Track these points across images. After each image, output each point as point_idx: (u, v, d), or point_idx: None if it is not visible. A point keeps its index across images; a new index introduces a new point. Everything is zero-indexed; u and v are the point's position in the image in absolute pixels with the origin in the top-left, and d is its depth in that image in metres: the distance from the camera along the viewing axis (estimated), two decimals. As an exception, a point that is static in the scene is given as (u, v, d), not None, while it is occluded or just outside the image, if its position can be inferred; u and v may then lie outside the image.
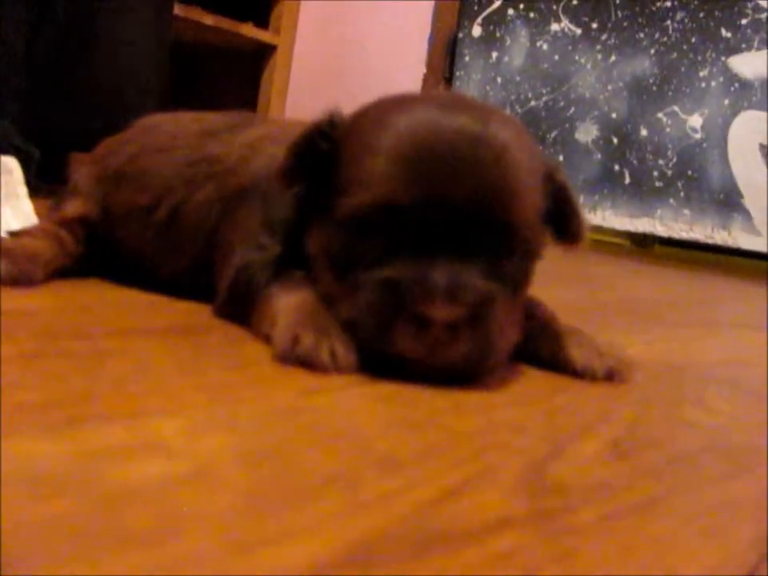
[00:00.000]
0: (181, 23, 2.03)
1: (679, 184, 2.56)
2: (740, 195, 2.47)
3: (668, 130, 2.59)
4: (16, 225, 0.79)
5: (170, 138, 0.78)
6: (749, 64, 2.49)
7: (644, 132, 2.63)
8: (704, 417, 0.59)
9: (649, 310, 1.31)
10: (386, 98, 0.60)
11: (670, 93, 2.60)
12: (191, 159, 0.74)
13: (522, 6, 2.83)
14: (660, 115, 2.61)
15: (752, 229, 2.45)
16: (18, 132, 1.48)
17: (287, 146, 0.60)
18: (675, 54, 2.60)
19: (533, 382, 0.60)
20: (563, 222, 0.61)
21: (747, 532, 0.37)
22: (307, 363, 0.51)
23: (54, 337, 0.53)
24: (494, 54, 2.88)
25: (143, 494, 0.30)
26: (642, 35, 2.65)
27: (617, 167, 2.66)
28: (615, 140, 2.67)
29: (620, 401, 0.59)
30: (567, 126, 2.75)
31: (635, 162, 2.63)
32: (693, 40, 2.57)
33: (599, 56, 2.72)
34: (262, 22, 2.39)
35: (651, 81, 2.63)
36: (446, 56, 2.97)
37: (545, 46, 2.81)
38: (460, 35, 2.93)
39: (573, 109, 2.75)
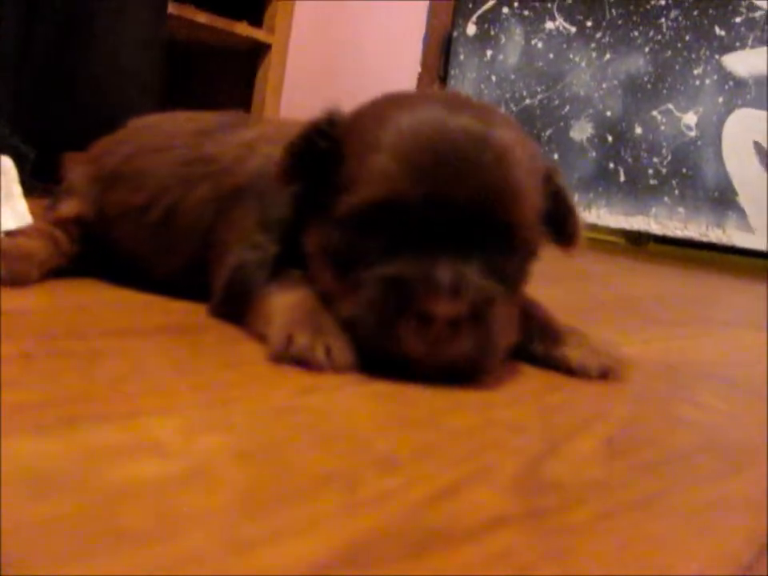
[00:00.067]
0: (175, 22, 2.03)
1: (674, 182, 2.57)
2: (734, 193, 2.48)
3: (662, 128, 2.60)
4: (11, 225, 0.79)
5: (165, 137, 0.78)
6: (743, 62, 2.49)
7: (639, 130, 2.63)
8: (699, 415, 0.59)
9: (644, 308, 1.31)
10: (386, 97, 0.60)
11: (665, 91, 2.61)
12: (186, 159, 0.74)
13: (516, 4, 2.83)
14: (654, 113, 2.61)
15: (746, 227, 2.46)
16: (13, 131, 1.47)
17: (285, 144, 0.60)
18: (669, 52, 2.60)
19: (529, 380, 0.60)
20: (560, 224, 0.62)
21: (743, 530, 0.37)
22: (302, 362, 0.51)
23: (50, 337, 0.53)
24: (489, 53, 2.88)
25: (140, 494, 0.30)
26: (636, 33, 2.66)
27: (611, 165, 2.66)
28: (610, 138, 2.67)
29: (615, 399, 0.59)
30: (562, 124, 2.75)
31: (630, 160, 2.63)
32: (687, 38, 2.58)
33: (594, 54, 2.72)
34: (257, 21, 2.39)
35: (646, 79, 2.64)
36: (440, 54, 2.97)
37: (539, 45, 2.81)
38: (455, 34, 2.93)
39: (567, 107, 2.75)
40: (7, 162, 0.87)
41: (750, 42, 2.49)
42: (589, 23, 2.73)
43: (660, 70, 2.62)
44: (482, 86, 2.88)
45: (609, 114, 2.68)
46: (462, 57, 2.92)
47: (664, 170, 2.58)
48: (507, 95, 2.84)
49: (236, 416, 0.42)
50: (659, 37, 2.62)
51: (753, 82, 2.47)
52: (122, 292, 0.73)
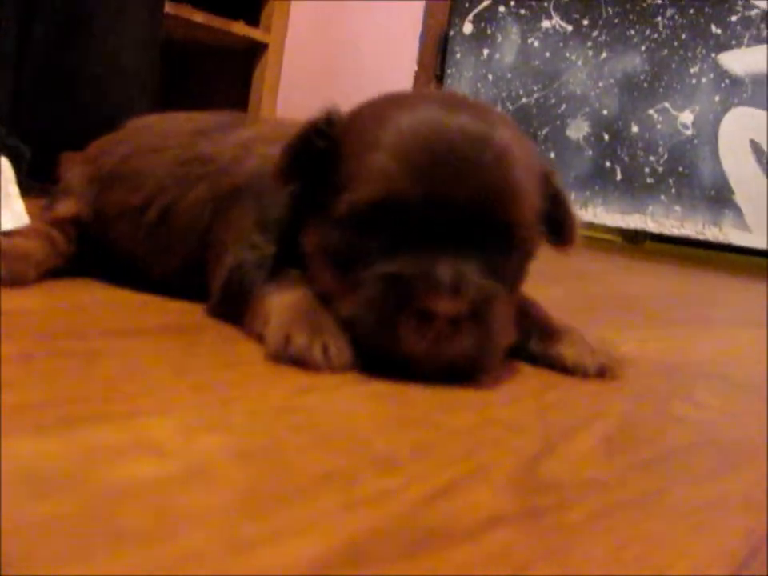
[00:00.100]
0: (171, 21, 2.03)
1: (670, 180, 2.57)
2: (731, 191, 2.48)
3: (659, 126, 2.60)
4: (8, 225, 0.79)
5: (162, 137, 0.78)
6: (739, 60, 2.50)
7: (635, 129, 2.63)
8: (696, 413, 0.59)
9: (640, 306, 1.31)
10: (384, 97, 0.60)
11: (661, 89, 2.61)
12: (183, 159, 0.74)
13: (512, 3, 2.84)
14: (651, 112, 2.62)
15: (743, 225, 2.46)
16: (10, 131, 1.47)
17: (283, 144, 0.60)
18: (666, 51, 2.61)
19: (526, 379, 0.60)
20: (557, 224, 0.62)
21: (740, 528, 0.37)
22: (300, 362, 0.52)
23: (48, 337, 0.53)
24: (485, 51, 2.88)
25: (140, 494, 0.30)
26: (632, 32, 2.66)
27: (608, 164, 2.66)
28: (606, 137, 2.68)
29: (612, 397, 0.60)
30: (558, 122, 2.75)
31: (626, 158, 2.64)
32: (683, 37, 2.58)
33: (590, 53, 2.72)
34: (253, 20, 2.39)
35: (642, 77, 2.64)
36: (437, 53, 2.97)
37: (536, 43, 2.81)
38: (451, 33, 2.93)
39: (564, 106, 2.75)
40: (4, 162, 0.87)
41: (746, 40, 2.49)
42: (585, 22, 2.73)
43: (656, 68, 2.62)
44: (479, 84, 2.88)
45: (605, 112, 2.69)
46: (458, 55, 2.92)
47: (660, 169, 2.58)
48: (504, 94, 2.84)
49: (234, 416, 0.42)
50: (655, 35, 2.63)
51: (749, 81, 2.48)
52: (119, 292, 0.73)
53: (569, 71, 2.75)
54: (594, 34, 2.72)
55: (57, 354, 0.49)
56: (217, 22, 2.25)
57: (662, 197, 2.57)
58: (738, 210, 2.47)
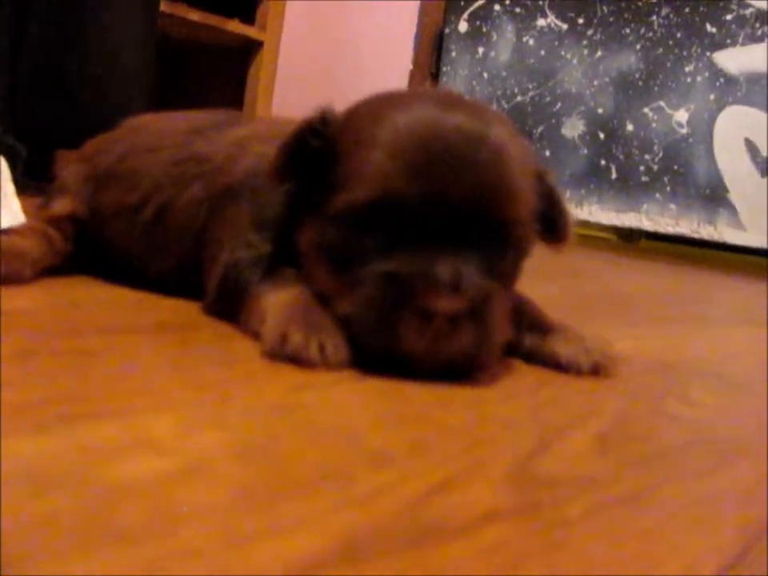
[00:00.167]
0: (167, 19, 2.03)
1: (665, 179, 2.57)
2: (726, 190, 2.49)
3: (654, 125, 2.60)
4: (4, 223, 0.79)
5: (157, 137, 0.78)
6: (734, 59, 2.50)
7: (630, 127, 2.64)
8: (689, 410, 0.60)
9: (635, 304, 1.32)
10: (380, 95, 0.61)
11: (656, 88, 2.61)
12: (179, 158, 0.74)
13: (507, 1, 2.84)
14: (646, 110, 2.62)
15: (737, 224, 2.46)
16: (6, 129, 1.47)
17: (279, 143, 0.60)
18: (661, 50, 2.61)
19: (520, 376, 0.61)
20: (551, 222, 0.62)
21: (732, 523, 0.38)
22: (296, 360, 0.52)
23: (44, 335, 0.53)
24: (481, 50, 2.88)
25: (138, 491, 0.30)
26: (627, 30, 2.66)
27: (603, 162, 2.67)
28: (601, 135, 2.68)
29: (606, 395, 0.60)
30: (553, 121, 2.76)
31: (621, 156, 2.64)
32: (678, 35, 2.59)
33: (585, 51, 2.73)
34: (249, 18, 2.39)
35: (637, 76, 2.64)
36: (432, 52, 2.97)
37: (531, 42, 2.81)
38: (446, 31, 2.93)
39: (559, 104, 2.75)
40: (0, 161, 0.87)
41: (741, 39, 2.50)
42: (580, 20, 2.73)
43: (651, 67, 2.62)
44: (474, 82, 2.88)
45: (600, 111, 2.69)
46: (453, 54, 2.92)
47: (655, 167, 2.59)
48: (499, 92, 2.85)
49: (232, 413, 0.42)
50: (650, 34, 2.63)
51: (744, 79, 2.48)
52: (115, 290, 0.73)
53: (564, 69, 2.76)
54: (589, 32, 2.72)
55: (55, 352, 0.49)
56: (212, 20, 2.25)
57: (657, 195, 2.58)
58: (732, 209, 2.47)
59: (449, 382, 0.53)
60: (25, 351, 0.48)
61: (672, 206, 2.56)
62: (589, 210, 2.67)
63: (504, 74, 2.85)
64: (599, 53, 2.71)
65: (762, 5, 2.45)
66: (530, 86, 2.80)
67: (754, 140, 2.45)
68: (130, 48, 1.63)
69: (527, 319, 0.65)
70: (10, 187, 0.86)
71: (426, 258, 0.52)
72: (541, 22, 2.80)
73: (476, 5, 2.88)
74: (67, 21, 1.54)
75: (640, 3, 2.64)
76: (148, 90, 1.68)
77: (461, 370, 0.54)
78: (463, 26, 2.91)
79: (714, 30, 2.53)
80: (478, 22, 2.88)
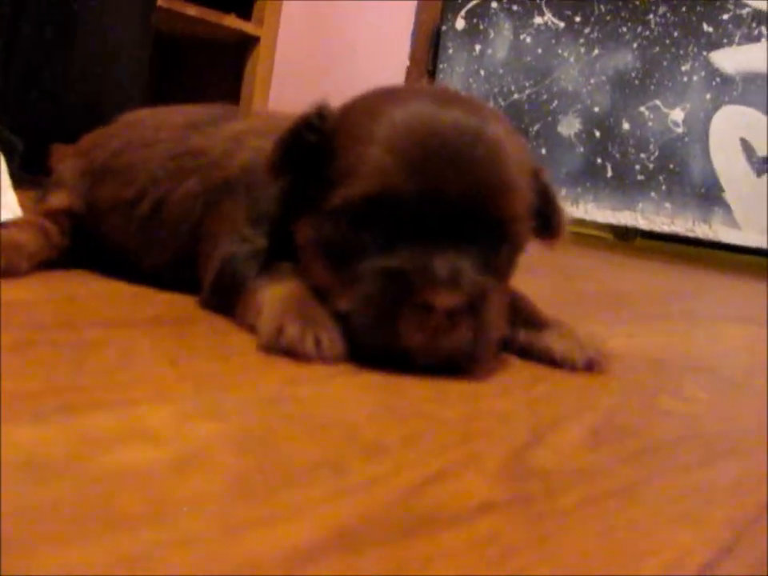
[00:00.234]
0: (164, 14, 2.02)
1: (661, 178, 2.58)
2: (721, 189, 2.49)
3: (650, 123, 2.61)
4: (1, 217, 0.79)
5: (154, 131, 0.78)
6: (730, 59, 2.51)
7: (626, 126, 2.64)
8: (681, 406, 0.60)
9: (629, 302, 1.32)
10: (376, 91, 0.61)
11: (652, 87, 2.62)
12: (175, 152, 0.74)
13: (505, -1, 2.84)
14: (642, 109, 2.63)
15: (732, 223, 2.47)
16: (2, 123, 1.47)
17: (275, 138, 0.60)
18: (657, 49, 2.62)
19: (515, 371, 0.61)
20: (546, 219, 0.63)
21: (722, 516, 0.38)
22: (292, 353, 0.52)
23: (42, 327, 0.53)
24: (478, 47, 2.88)
25: (135, 480, 0.31)
26: (624, 29, 2.67)
27: (599, 160, 2.67)
28: (598, 133, 2.68)
29: (599, 390, 0.60)
30: (550, 119, 2.76)
31: (617, 155, 2.65)
32: (675, 34, 2.59)
33: (582, 49, 2.73)
34: (245, 14, 2.38)
35: (633, 75, 2.65)
36: (429, 49, 2.98)
37: (528, 39, 2.81)
38: (443, 28, 2.93)
39: (555, 102, 2.76)
40: (-4, 154, 0.87)
41: (737, 38, 2.50)
42: (577, 19, 2.74)
43: (648, 66, 2.63)
44: (471, 80, 2.89)
45: (597, 109, 2.69)
46: (450, 51, 2.92)
47: (651, 166, 2.59)
48: (495, 90, 2.85)
49: (228, 405, 0.43)
50: (647, 33, 2.63)
51: (740, 79, 2.49)
52: (112, 284, 0.73)
53: (561, 68, 2.76)
54: (586, 30, 2.73)
55: (52, 344, 0.49)
56: (209, 15, 2.25)
57: (653, 194, 2.58)
58: (727, 208, 2.48)
59: (444, 376, 0.53)
60: (23, 343, 0.48)
61: (667, 204, 2.56)
62: (585, 209, 2.67)
63: (501, 71, 2.85)
64: (596, 51, 2.71)
65: (759, 5, 2.46)
66: (527, 84, 2.81)
67: (750, 140, 2.45)
68: (126, 43, 1.63)
69: (522, 315, 0.66)
70: (6, 181, 0.86)
71: (424, 254, 0.53)
72: (538, 19, 2.80)
73: (473, 2, 2.89)
74: (63, 16, 1.53)
75: (637, 2, 2.65)
76: (144, 85, 1.68)
77: (458, 365, 0.54)
78: (460, 23, 2.91)
79: (710, 29, 2.54)
80: (475, 20, 2.89)
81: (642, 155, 2.61)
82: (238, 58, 2.46)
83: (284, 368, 0.51)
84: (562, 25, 2.76)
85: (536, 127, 2.77)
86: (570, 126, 2.73)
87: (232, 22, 2.32)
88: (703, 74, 2.54)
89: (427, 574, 0.28)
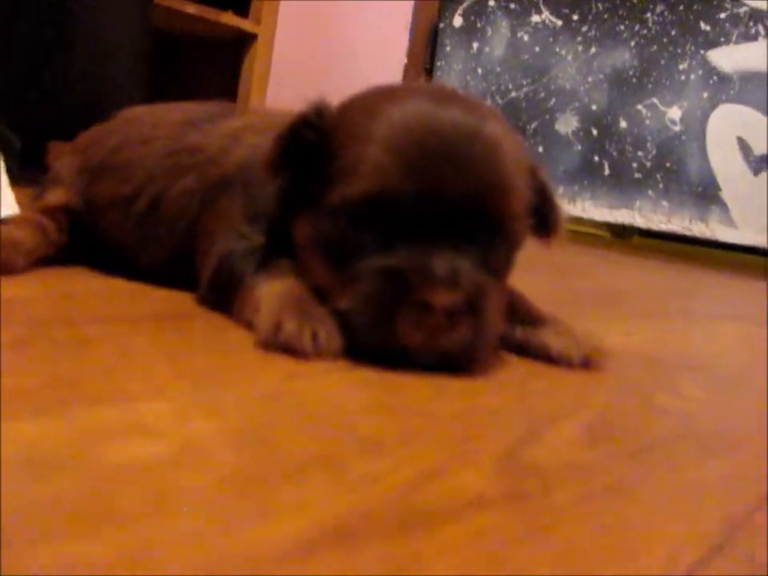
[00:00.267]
0: (162, 12, 2.02)
1: (658, 176, 2.58)
2: (718, 188, 2.50)
3: (647, 122, 2.61)
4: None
5: (151, 128, 0.78)
6: (727, 57, 2.51)
7: (623, 124, 2.64)
8: (678, 403, 0.60)
9: (626, 299, 1.33)
10: (375, 90, 0.61)
11: (650, 85, 2.62)
12: (172, 149, 0.74)
13: (503, -3, 2.84)
14: (639, 107, 2.63)
15: (729, 221, 2.48)
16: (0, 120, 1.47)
17: (274, 135, 0.60)
18: (655, 47, 2.62)
19: (511, 368, 0.61)
20: (543, 217, 0.63)
21: (716, 513, 0.38)
22: (290, 349, 0.52)
23: (41, 324, 0.54)
24: (475, 45, 2.89)
25: (135, 474, 0.31)
26: (622, 27, 2.67)
27: (596, 158, 2.68)
28: (595, 131, 2.69)
29: (595, 388, 0.60)
30: (547, 117, 2.76)
31: (615, 153, 2.65)
32: (672, 33, 2.59)
33: (580, 48, 2.73)
34: (243, 11, 2.38)
35: (631, 73, 2.65)
36: (426, 46, 2.98)
37: (525, 37, 2.82)
38: (441, 25, 2.93)
39: (553, 100, 2.76)
40: (-6, 151, 0.87)
41: (734, 37, 2.50)
42: (575, 17, 2.74)
43: (645, 64, 2.63)
44: (468, 77, 2.89)
45: (594, 107, 2.70)
46: (448, 49, 2.92)
47: (648, 164, 2.60)
48: (493, 87, 2.85)
49: (226, 401, 0.43)
50: (645, 31, 2.64)
51: (737, 78, 2.49)
52: (109, 281, 0.73)
53: (558, 66, 2.76)
54: (584, 29, 2.73)
55: (51, 341, 0.50)
56: (207, 12, 2.24)
57: (650, 192, 2.59)
58: (724, 207, 2.49)
59: (441, 373, 0.54)
60: (21, 339, 0.48)
61: (664, 203, 2.56)
62: (582, 207, 2.67)
63: (498, 69, 2.85)
64: (593, 49, 2.71)
65: (756, 4, 2.46)
66: (524, 82, 2.81)
67: (747, 138, 2.46)
68: (127, 47, 1.63)
69: (519, 312, 0.66)
70: (4, 178, 0.86)
71: (423, 253, 0.53)
72: (535, 18, 2.80)
73: (471, 0, 2.89)
74: (61, 14, 1.53)
75: (635, 0, 2.65)
76: (143, 83, 1.68)
77: (457, 363, 0.54)
78: (458, 21, 2.91)
79: (708, 28, 2.54)
80: (472, 17, 2.89)
81: (640, 153, 2.61)
82: (236, 55, 2.46)
83: (282, 364, 0.51)
84: (559, 23, 2.76)
85: (533, 125, 2.77)
86: (567, 124, 2.73)
87: (229, 19, 2.32)
88: (700, 72, 2.54)
89: (423, 570, 0.28)
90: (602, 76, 2.69)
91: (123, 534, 0.26)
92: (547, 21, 2.78)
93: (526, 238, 0.62)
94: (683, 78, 2.57)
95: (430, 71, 2.94)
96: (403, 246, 0.54)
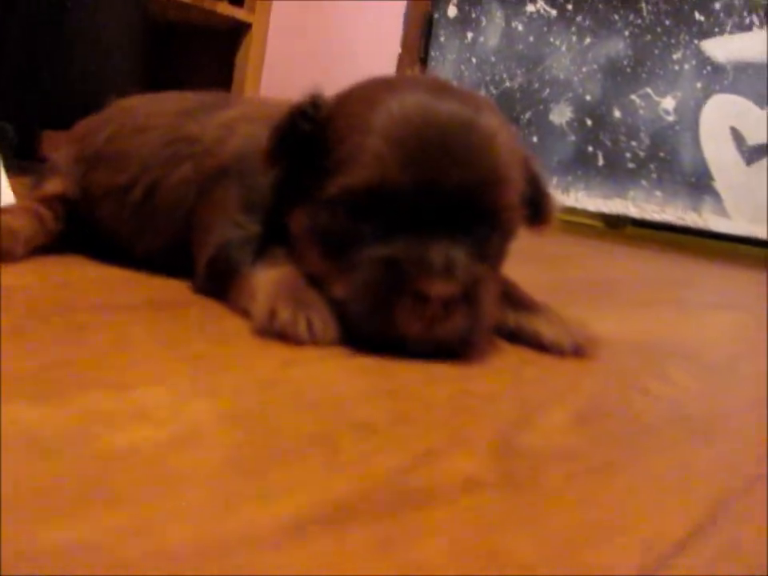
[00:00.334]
0: (157, 1, 2.02)
1: (651, 166, 2.59)
2: (711, 178, 2.50)
3: (641, 112, 2.62)
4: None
5: (147, 118, 0.78)
6: (721, 48, 2.52)
7: (617, 114, 2.65)
8: (667, 390, 0.61)
9: (618, 289, 1.33)
10: (371, 81, 0.62)
11: (644, 75, 2.62)
12: (168, 139, 0.75)
13: (497, -14, 2.84)
14: (633, 97, 2.63)
15: (722, 211, 2.48)
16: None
17: (270, 125, 0.61)
18: (649, 37, 2.62)
19: (504, 355, 0.62)
20: (535, 206, 0.64)
21: (701, 492, 0.39)
22: (285, 336, 0.53)
23: (38, 311, 0.54)
24: (470, 35, 2.88)
25: (132, 457, 0.32)
26: (616, 17, 2.67)
27: (590, 149, 2.68)
28: (589, 122, 2.69)
29: (586, 374, 0.61)
30: (541, 107, 2.77)
31: (608, 143, 2.65)
32: (666, 23, 2.60)
33: (574, 38, 2.73)
34: (237, 1, 2.38)
35: (625, 63, 2.65)
36: (421, 36, 2.97)
37: (520, 27, 2.82)
38: (435, 15, 2.93)
39: (547, 90, 2.76)
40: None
41: (728, 27, 2.51)
42: (569, 6, 2.74)
43: (639, 54, 2.63)
44: (463, 67, 2.89)
45: (588, 97, 2.70)
46: (442, 39, 2.92)
47: (642, 154, 2.60)
48: (487, 77, 2.85)
49: (222, 386, 0.43)
50: (639, 21, 2.64)
51: (731, 68, 2.50)
52: (105, 269, 0.74)
53: (552, 56, 2.76)
54: (578, 18, 2.73)
55: (49, 327, 0.50)
56: (201, 1, 2.24)
57: (643, 182, 2.59)
58: (717, 197, 2.49)
59: (435, 360, 0.54)
60: (20, 326, 0.49)
61: (658, 193, 2.57)
62: (575, 197, 2.68)
63: (493, 59, 2.85)
64: (588, 39, 2.71)
65: (750, -7, 2.46)
66: (519, 72, 2.81)
67: (740, 129, 2.46)
68: (119, 30, 1.62)
69: (512, 300, 0.67)
70: (0, 168, 0.86)
71: (420, 244, 0.54)
72: (530, 7, 2.80)
73: (465, -10, 2.88)
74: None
75: (629, -10, 2.65)
76: (137, 72, 1.68)
77: (453, 352, 0.55)
78: (452, 11, 2.91)
79: (702, 18, 2.54)
80: (467, 7, 2.89)
81: (633, 143, 2.62)
82: (230, 44, 2.45)
83: (278, 351, 0.52)
84: (554, 13, 2.77)
85: (527, 115, 2.78)
86: (561, 114, 2.73)
87: (224, 8, 2.31)
88: (694, 62, 2.55)
89: (415, 550, 0.29)
90: (596, 66, 2.70)
91: (122, 515, 0.27)
92: (542, 10, 2.78)
93: (520, 227, 0.63)
94: (677, 68, 2.57)
95: (424, 61, 2.94)
96: (400, 236, 0.54)
